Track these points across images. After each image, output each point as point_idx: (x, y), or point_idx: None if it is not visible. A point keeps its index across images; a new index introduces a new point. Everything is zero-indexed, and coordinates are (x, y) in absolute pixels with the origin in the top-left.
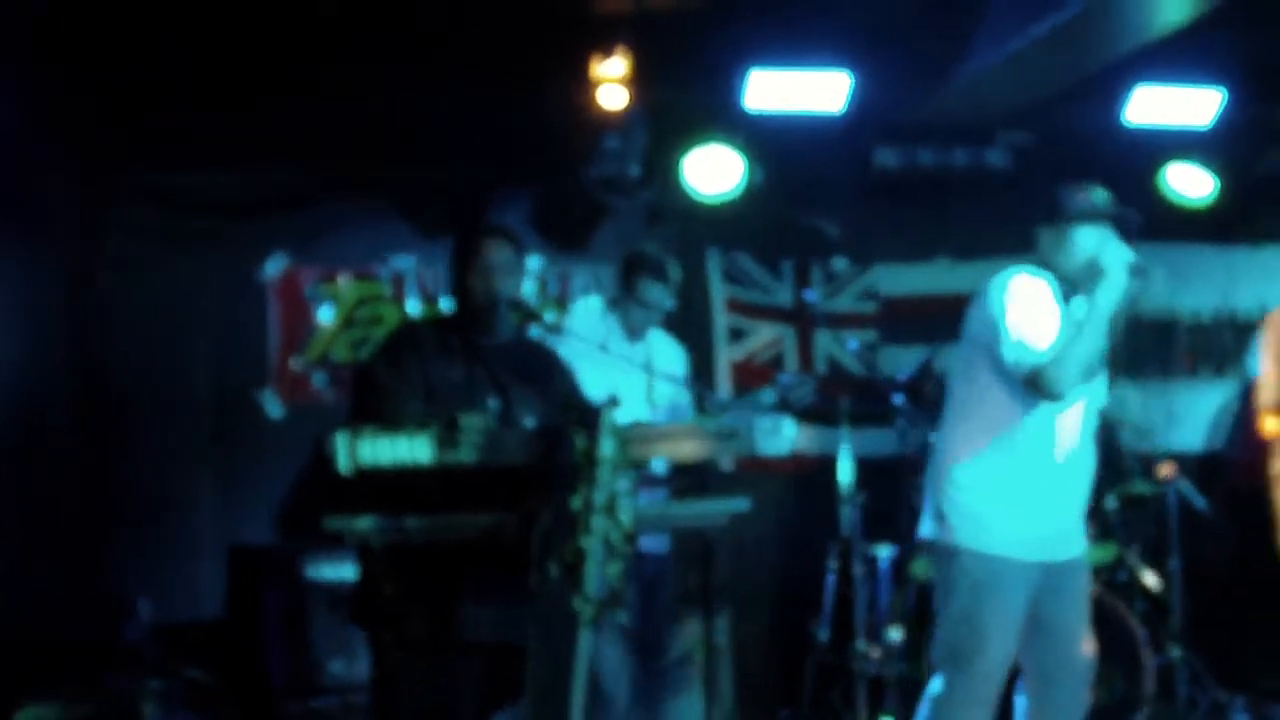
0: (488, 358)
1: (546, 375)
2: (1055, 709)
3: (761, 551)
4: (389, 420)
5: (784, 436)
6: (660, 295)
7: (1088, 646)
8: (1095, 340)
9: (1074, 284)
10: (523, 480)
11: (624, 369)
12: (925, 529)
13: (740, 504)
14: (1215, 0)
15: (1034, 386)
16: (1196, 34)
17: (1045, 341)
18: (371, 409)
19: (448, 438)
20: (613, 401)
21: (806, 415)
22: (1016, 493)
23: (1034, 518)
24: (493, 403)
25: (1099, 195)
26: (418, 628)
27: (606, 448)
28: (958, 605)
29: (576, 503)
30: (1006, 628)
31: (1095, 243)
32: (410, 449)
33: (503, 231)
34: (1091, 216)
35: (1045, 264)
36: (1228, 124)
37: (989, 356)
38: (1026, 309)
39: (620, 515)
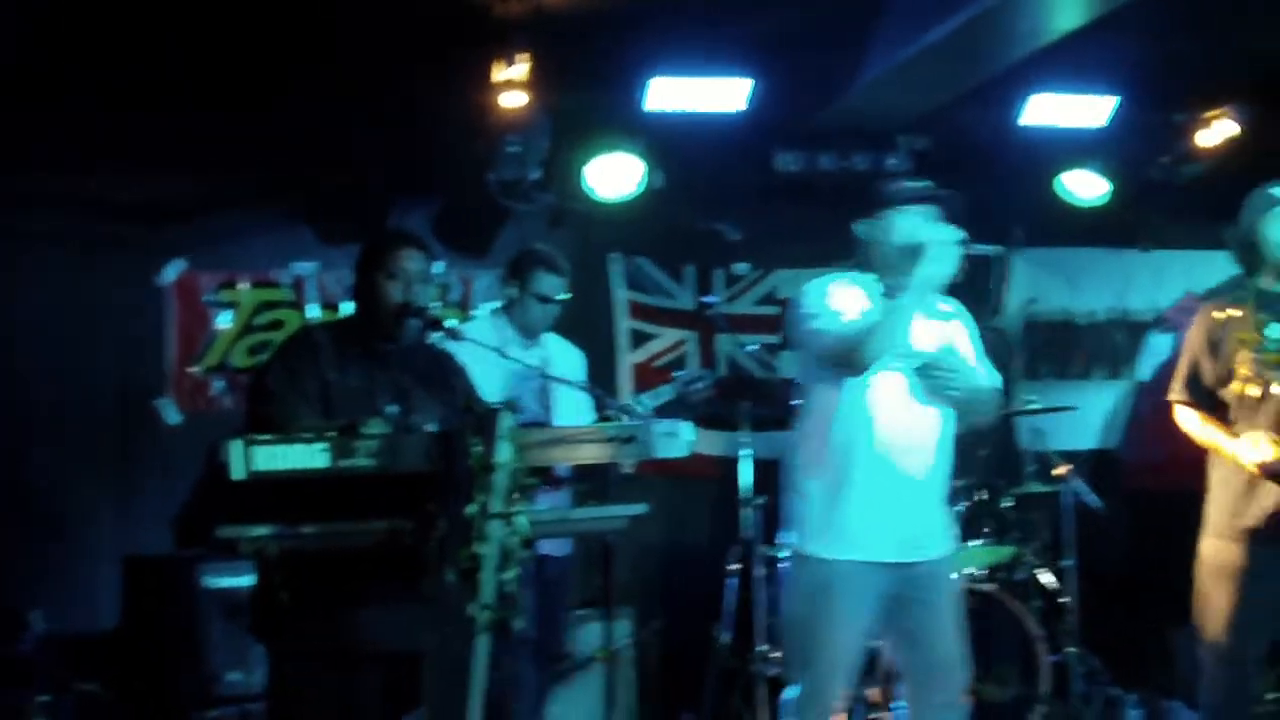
0: (388, 363)
1: (447, 381)
2: (932, 712)
3: (663, 554)
4: (282, 428)
5: (682, 440)
6: (555, 286)
7: (959, 649)
8: (902, 315)
9: (897, 276)
10: (420, 486)
11: (522, 374)
12: (785, 535)
13: (639, 508)
14: (1107, 6)
15: (835, 358)
16: (1092, 40)
17: (845, 316)
18: (265, 417)
19: (344, 444)
20: (509, 406)
21: (707, 418)
22: (852, 495)
23: (872, 520)
24: (391, 409)
25: (918, 182)
26: (315, 636)
27: (503, 453)
28: (794, 610)
29: (473, 509)
30: (841, 632)
31: (916, 226)
32: (306, 455)
33: (416, 240)
34: (910, 199)
35: (866, 264)
36: (1121, 129)
37: (808, 357)
38: (828, 293)
39: (517, 521)
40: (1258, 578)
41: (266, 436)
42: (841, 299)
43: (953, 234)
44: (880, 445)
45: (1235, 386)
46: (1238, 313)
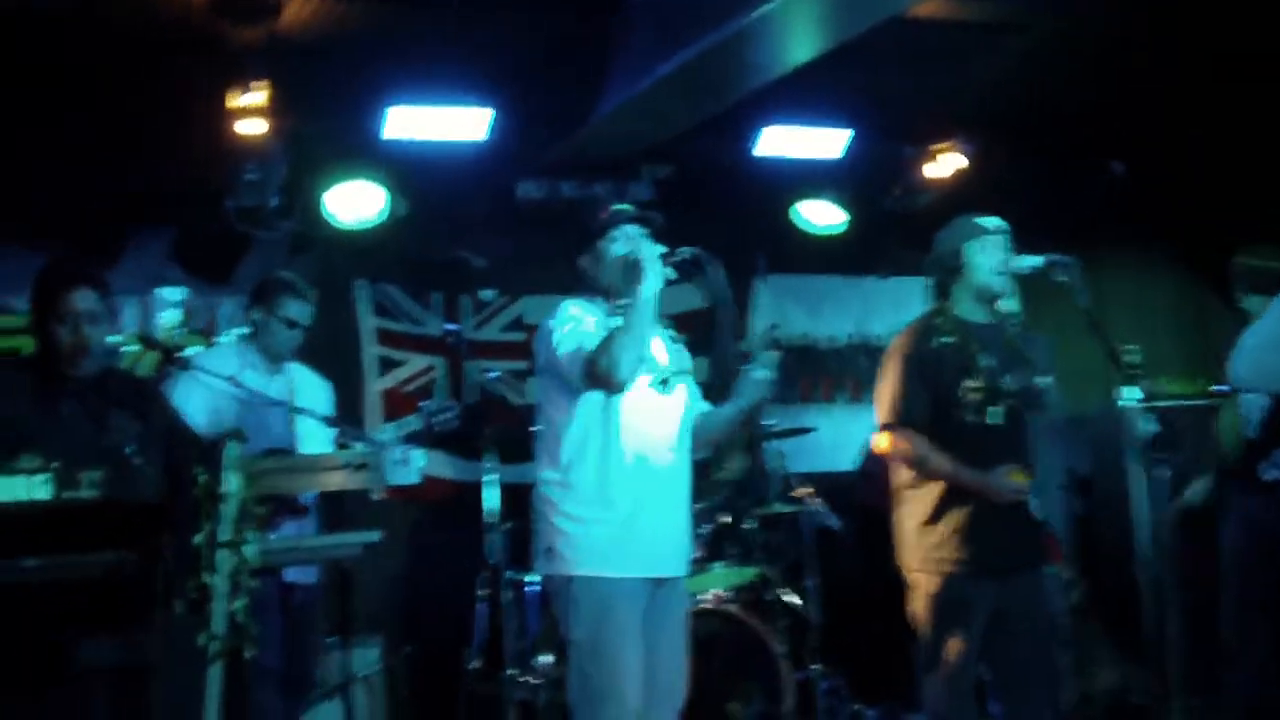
0: (79, 390)
1: (143, 403)
2: None
3: (413, 580)
4: None
5: (413, 466)
6: (301, 311)
7: (686, 665)
8: (642, 327)
9: (619, 299)
10: (147, 517)
11: (264, 402)
12: (538, 566)
13: (373, 534)
14: (836, 40)
15: (592, 379)
16: (826, 74)
17: (592, 339)
18: None
19: (67, 475)
20: (236, 436)
21: (454, 443)
22: (612, 513)
23: (634, 535)
24: (87, 434)
25: (622, 206)
26: (35, 669)
27: (230, 483)
28: (580, 636)
29: (200, 539)
30: (632, 647)
31: (630, 244)
32: (26, 488)
33: (87, 277)
34: (616, 222)
35: (593, 296)
36: (856, 160)
37: (556, 382)
38: (573, 321)
39: (245, 550)
40: (964, 605)
41: None
42: (584, 320)
43: (658, 250)
44: (638, 461)
45: (956, 417)
46: (949, 340)
